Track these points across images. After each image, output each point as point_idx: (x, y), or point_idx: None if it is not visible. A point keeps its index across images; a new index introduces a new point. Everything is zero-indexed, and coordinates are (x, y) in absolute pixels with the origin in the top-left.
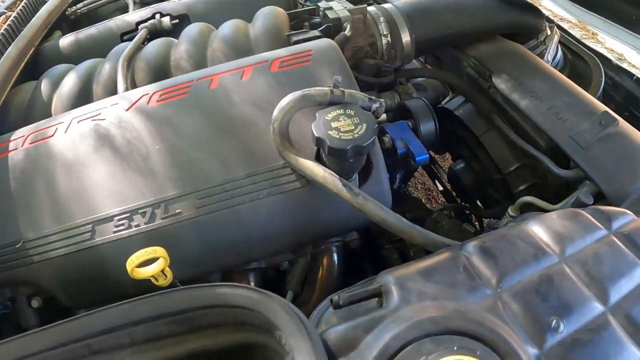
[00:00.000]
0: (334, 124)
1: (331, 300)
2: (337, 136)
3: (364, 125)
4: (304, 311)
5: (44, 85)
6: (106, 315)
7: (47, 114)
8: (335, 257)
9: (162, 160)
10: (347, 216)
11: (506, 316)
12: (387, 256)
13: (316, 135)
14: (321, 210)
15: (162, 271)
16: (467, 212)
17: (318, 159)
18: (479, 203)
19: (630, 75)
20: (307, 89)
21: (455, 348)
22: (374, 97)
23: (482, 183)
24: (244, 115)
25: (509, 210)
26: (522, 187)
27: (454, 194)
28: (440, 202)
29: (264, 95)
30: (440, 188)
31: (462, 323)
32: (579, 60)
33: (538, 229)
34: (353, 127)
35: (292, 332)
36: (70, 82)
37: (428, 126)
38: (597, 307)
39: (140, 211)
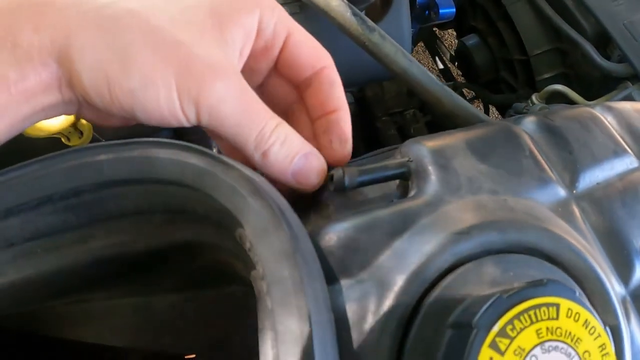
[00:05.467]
0: None
1: (331, 177)
2: None
3: None
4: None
5: None
6: None
7: None
8: None
9: None
10: (350, 63)
11: (588, 233)
12: (381, 129)
13: None
14: None
15: (75, 125)
16: (471, 96)
17: None
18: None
19: None
20: None
21: (545, 282)
22: None
23: (496, 64)
24: None
25: (533, 97)
26: (547, 75)
27: (457, 75)
28: None
29: None
30: (441, 66)
31: (543, 239)
32: None
33: (611, 119)
34: None
35: (261, 232)
36: None
37: None
38: None
39: None
